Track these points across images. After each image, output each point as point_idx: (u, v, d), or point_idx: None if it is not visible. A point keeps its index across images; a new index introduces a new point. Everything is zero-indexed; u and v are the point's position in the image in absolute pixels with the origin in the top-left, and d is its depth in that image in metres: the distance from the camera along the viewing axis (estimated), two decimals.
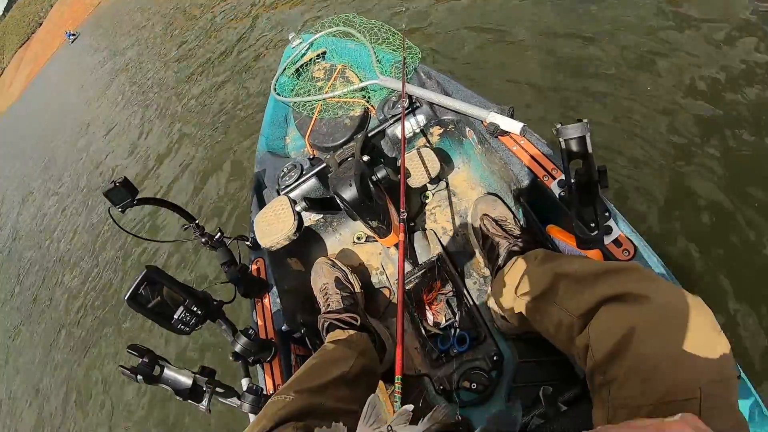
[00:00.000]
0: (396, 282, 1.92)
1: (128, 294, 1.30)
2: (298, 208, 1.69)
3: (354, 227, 2.17)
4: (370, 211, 1.60)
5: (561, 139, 1.15)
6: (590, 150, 1.14)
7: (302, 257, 2.12)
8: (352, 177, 1.54)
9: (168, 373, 1.35)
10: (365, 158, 1.73)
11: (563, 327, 1.07)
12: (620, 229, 1.36)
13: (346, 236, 2.18)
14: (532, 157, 1.62)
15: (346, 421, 1.26)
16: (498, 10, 3.79)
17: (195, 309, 1.44)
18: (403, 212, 1.43)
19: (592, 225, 1.28)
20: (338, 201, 1.60)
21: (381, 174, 1.73)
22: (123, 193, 1.46)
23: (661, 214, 2.22)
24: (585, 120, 1.13)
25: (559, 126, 1.14)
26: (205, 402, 1.35)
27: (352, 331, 1.62)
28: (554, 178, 1.53)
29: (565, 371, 1.52)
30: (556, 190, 1.48)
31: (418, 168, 1.88)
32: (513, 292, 1.36)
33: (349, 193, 1.53)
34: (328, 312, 1.72)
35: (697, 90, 2.53)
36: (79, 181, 7.46)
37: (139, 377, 1.28)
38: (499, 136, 1.72)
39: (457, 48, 3.69)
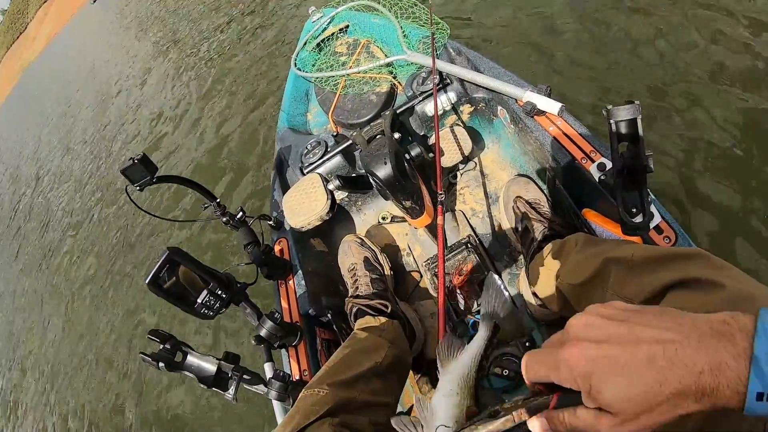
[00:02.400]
0: (424, 264, 1.79)
1: (149, 277, 1.18)
2: (330, 187, 1.55)
3: (379, 206, 2.04)
4: (404, 190, 1.46)
5: (611, 121, 1.07)
6: (641, 133, 1.06)
7: (326, 237, 1.99)
8: (387, 154, 1.40)
9: (191, 359, 1.23)
10: (396, 136, 1.59)
11: None
12: (660, 215, 1.25)
13: (370, 216, 2.05)
14: (570, 139, 1.49)
15: (378, 415, 1.16)
16: None
17: (219, 292, 1.32)
18: (441, 193, 1.31)
19: (634, 211, 1.16)
20: (371, 179, 1.46)
21: (415, 152, 1.59)
22: (141, 171, 1.33)
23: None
24: (636, 102, 1.04)
25: (609, 107, 1.06)
26: (231, 390, 1.24)
27: (383, 319, 1.50)
28: (593, 161, 1.40)
29: None
30: (596, 174, 1.35)
31: (450, 146, 1.74)
32: (553, 277, 1.26)
33: (384, 171, 1.39)
34: (357, 297, 1.59)
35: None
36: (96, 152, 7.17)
37: (161, 364, 1.17)
38: (535, 116, 1.59)
39: (488, 24, 3.41)
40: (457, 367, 0.73)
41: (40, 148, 10.15)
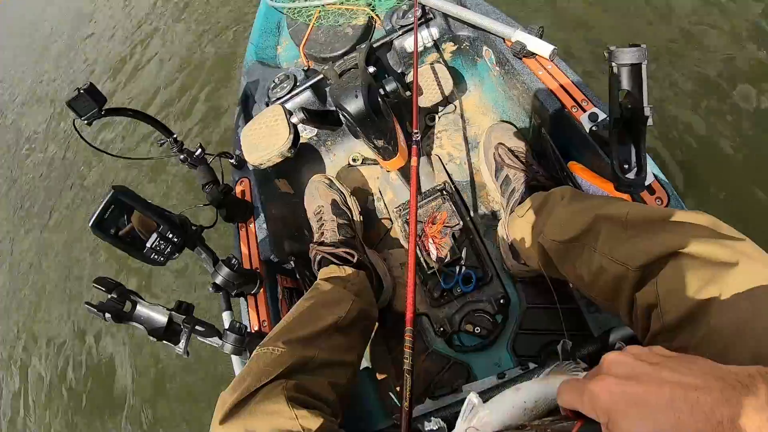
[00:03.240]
0: (395, 210, 1.67)
1: (93, 219, 1.04)
2: (294, 120, 1.38)
3: (350, 147, 1.88)
4: (376, 128, 1.31)
5: (613, 64, 0.96)
6: (645, 81, 0.96)
7: (291, 178, 1.84)
8: (358, 87, 1.24)
9: (141, 309, 1.10)
10: (371, 69, 1.43)
11: (607, 276, 0.88)
12: (653, 174, 1.16)
13: (341, 157, 1.89)
14: (561, 85, 1.36)
15: (339, 375, 1.05)
16: None
17: (171, 236, 1.18)
18: (416, 132, 1.19)
19: (626, 167, 1.07)
20: (341, 115, 1.31)
21: (390, 87, 1.43)
22: (89, 103, 1.16)
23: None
24: (643, 45, 0.93)
25: (613, 48, 0.95)
26: (182, 343, 1.11)
27: (348, 269, 1.38)
28: (584, 111, 1.28)
29: (574, 321, 1.35)
30: (587, 124, 1.23)
31: (430, 85, 1.59)
32: (536, 231, 1.16)
33: (355, 105, 1.24)
34: (322, 244, 1.46)
35: None
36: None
37: (107, 315, 1.03)
38: (524, 58, 1.45)
39: None
40: (545, 388, 0.66)
41: None
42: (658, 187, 1.17)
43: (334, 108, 1.37)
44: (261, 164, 1.42)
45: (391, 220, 1.69)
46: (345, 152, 1.89)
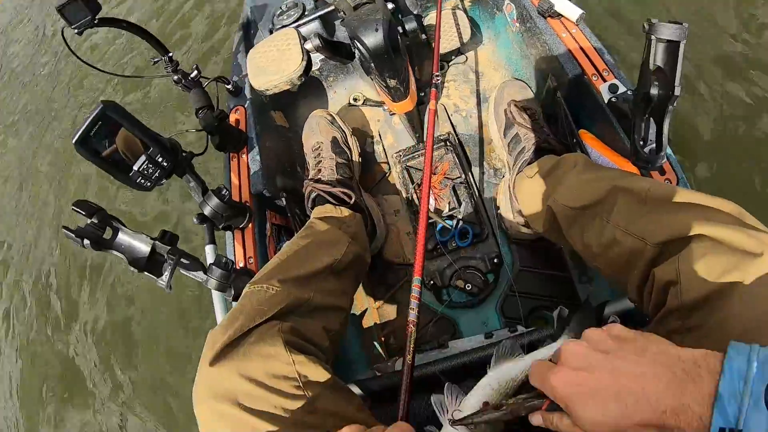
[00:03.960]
0: (395, 155, 1.59)
1: (77, 135, 0.94)
2: (308, 46, 1.27)
3: (352, 86, 1.78)
4: (391, 65, 1.21)
5: (652, 37, 0.92)
6: (680, 60, 0.92)
7: (288, 111, 1.74)
8: (379, 21, 1.13)
9: (122, 237, 1.02)
10: (390, 6, 1.31)
11: (620, 249, 0.86)
12: (665, 155, 1.11)
13: (341, 95, 1.78)
14: (583, 51, 1.31)
15: (331, 320, 1.04)
16: None
17: (160, 159, 1.09)
18: (437, 75, 1.15)
19: (641, 144, 1.04)
20: (356, 48, 1.21)
21: (410, 26, 1.33)
22: (82, 10, 1.04)
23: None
24: (685, 24, 0.89)
25: (654, 21, 0.91)
26: (166, 275, 1.03)
27: (345, 210, 1.31)
28: (604, 81, 1.23)
29: (565, 289, 1.34)
30: (606, 95, 1.18)
31: (447, 31, 1.50)
32: (546, 194, 1.12)
33: (374, 39, 1.13)
34: (319, 181, 1.38)
35: None
36: None
37: (86, 241, 0.95)
38: (549, 18, 1.38)
39: None
40: (508, 369, 0.72)
41: None
42: (668, 168, 1.14)
43: (347, 42, 1.27)
44: (267, 89, 1.32)
45: (388, 165, 1.61)
46: (346, 90, 1.78)
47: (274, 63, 1.27)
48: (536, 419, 0.60)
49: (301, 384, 0.81)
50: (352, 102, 1.74)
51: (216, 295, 1.24)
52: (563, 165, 1.12)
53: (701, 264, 0.71)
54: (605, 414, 0.48)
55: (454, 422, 0.66)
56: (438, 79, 1.14)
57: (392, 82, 1.27)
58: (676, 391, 0.45)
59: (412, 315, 0.84)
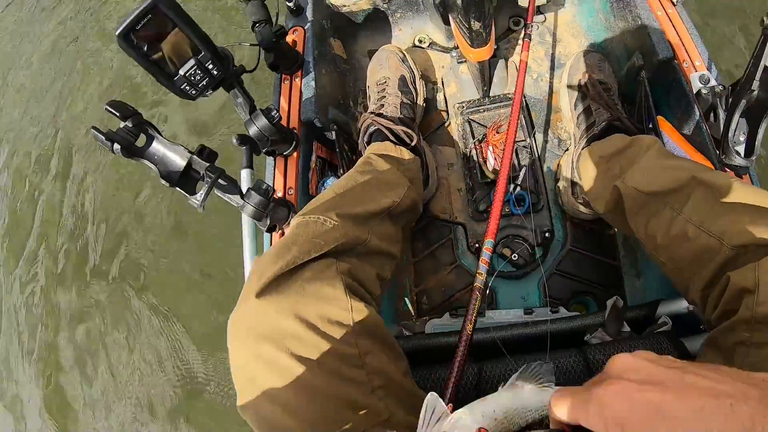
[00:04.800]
0: (457, 106, 1.46)
1: (122, 27, 0.82)
2: None
3: (419, 26, 1.62)
4: (480, 6, 1.09)
5: None
6: None
7: (347, 42, 1.61)
8: None
9: (157, 146, 0.91)
10: None
11: (692, 245, 0.80)
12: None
13: (406, 34, 1.63)
14: (678, 35, 1.21)
15: (385, 268, 0.96)
16: None
17: (210, 67, 0.97)
18: (531, 25, 1.09)
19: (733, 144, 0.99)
20: None
21: None
22: None
23: None
24: None
25: None
26: (201, 194, 0.93)
27: (405, 152, 1.20)
28: (695, 70, 1.15)
29: (612, 278, 1.25)
30: (695, 84, 1.11)
31: None
32: (613, 173, 1.03)
33: None
34: (381, 116, 1.26)
35: None
36: None
37: (117, 146, 0.84)
38: None
39: None
40: (524, 398, 0.55)
41: None
42: (746, 178, 1.06)
43: None
44: (343, 5, 1.20)
45: (447, 114, 1.48)
46: (412, 30, 1.63)
47: None
48: None
49: (354, 334, 0.72)
50: (416, 43, 1.60)
51: (247, 224, 1.15)
52: (636, 146, 1.03)
53: None
54: None
55: None
56: (531, 29, 1.04)
57: (476, 25, 1.16)
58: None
59: (479, 281, 0.74)
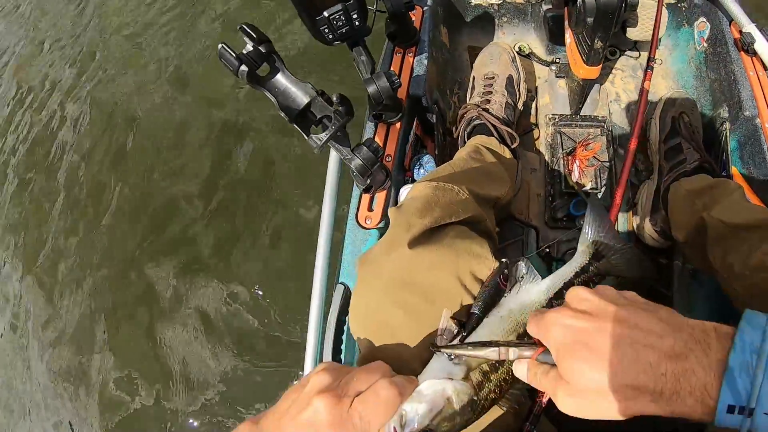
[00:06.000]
0: (547, 116, 1.48)
1: None
2: None
3: (522, 34, 1.66)
4: (607, 28, 1.14)
5: None
6: None
7: (453, 32, 1.64)
8: None
9: (281, 79, 0.89)
10: None
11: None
12: None
13: (507, 40, 1.66)
14: (765, 97, 1.25)
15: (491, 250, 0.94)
16: None
17: (354, 16, 0.97)
18: (654, 59, 1.19)
19: None
20: None
21: (633, 1, 1.23)
22: None
23: None
24: None
25: None
26: (323, 135, 0.93)
27: (507, 151, 1.23)
28: None
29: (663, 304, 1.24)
30: None
31: (644, 23, 1.38)
32: (699, 206, 1.06)
33: None
34: (487, 111, 1.27)
35: None
36: None
37: (243, 68, 0.81)
38: (742, 51, 1.31)
39: None
40: (517, 304, 0.68)
41: None
42: None
43: None
44: None
45: (536, 123, 1.51)
46: (514, 36, 1.67)
47: None
48: (520, 369, 0.53)
49: None
50: (517, 50, 1.62)
51: (333, 174, 1.16)
52: (722, 187, 1.07)
53: None
54: (597, 366, 0.42)
55: (434, 346, 0.61)
56: (654, 63, 1.13)
57: (598, 44, 1.20)
58: (681, 353, 0.40)
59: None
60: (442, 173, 0.95)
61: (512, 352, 0.53)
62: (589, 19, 1.13)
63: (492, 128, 1.24)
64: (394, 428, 0.51)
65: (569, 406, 0.45)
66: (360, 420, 0.49)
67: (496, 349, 0.54)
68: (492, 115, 1.26)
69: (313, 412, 0.49)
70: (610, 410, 0.42)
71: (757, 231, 0.88)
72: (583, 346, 0.44)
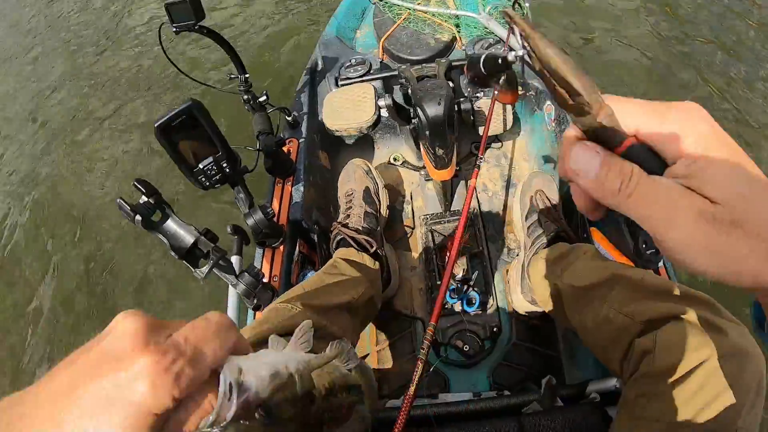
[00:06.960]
0: (422, 218, 1.66)
1: (161, 122, 0.99)
2: (381, 103, 1.38)
3: (395, 147, 1.88)
4: (443, 137, 1.32)
5: None
6: None
7: (333, 155, 1.84)
8: (443, 96, 1.25)
9: (171, 224, 1.04)
10: (451, 84, 1.42)
11: (611, 326, 0.94)
12: (663, 260, 1.25)
13: (383, 152, 1.88)
14: None
15: None
16: None
17: (224, 165, 1.15)
18: (481, 158, 1.27)
19: (644, 246, 1.17)
20: (415, 115, 1.30)
21: (465, 107, 1.45)
22: (188, 12, 1.14)
23: None
24: None
25: None
26: (204, 269, 1.07)
27: (366, 256, 1.37)
28: None
29: (553, 366, 1.41)
30: None
31: (495, 117, 1.59)
32: (555, 274, 1.20)
33: (435, 110, 1.25)
34: (346, 226, 1.44)
35: None
36: None
37: (138, 218, 0.97)
38: None
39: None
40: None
41: None
42: (663, 273, 1.25)
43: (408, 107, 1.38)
44: (337, 130, 1.43)
45: (413, 225, 1.68)
46: (388, 149, 1.88)
47: (348, 110, 1.38)
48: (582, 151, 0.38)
49: None
50: (391, 161, 1.83)
51: (231, 299, 1.28)
52: (575, 251, 1.21)
53: (677, 337, 0.78)
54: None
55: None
56: (481, 161, 1.24)
57: (440, 151, 1.37)
58: None
59: (422, 354, 0.87)
60: (287, 295, 1.08)
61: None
62: (427, 132, 1.33)
63: (350, 240, 1.39)
64: (230, 384, 0.35)
65: (697, 241, 0.30)
66: (186, 343, 0.34)
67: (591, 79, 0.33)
68: (350, 228, 1.42)
69: (113, 338, 0.32)
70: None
71: (603, 287, 1.00)
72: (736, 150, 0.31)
